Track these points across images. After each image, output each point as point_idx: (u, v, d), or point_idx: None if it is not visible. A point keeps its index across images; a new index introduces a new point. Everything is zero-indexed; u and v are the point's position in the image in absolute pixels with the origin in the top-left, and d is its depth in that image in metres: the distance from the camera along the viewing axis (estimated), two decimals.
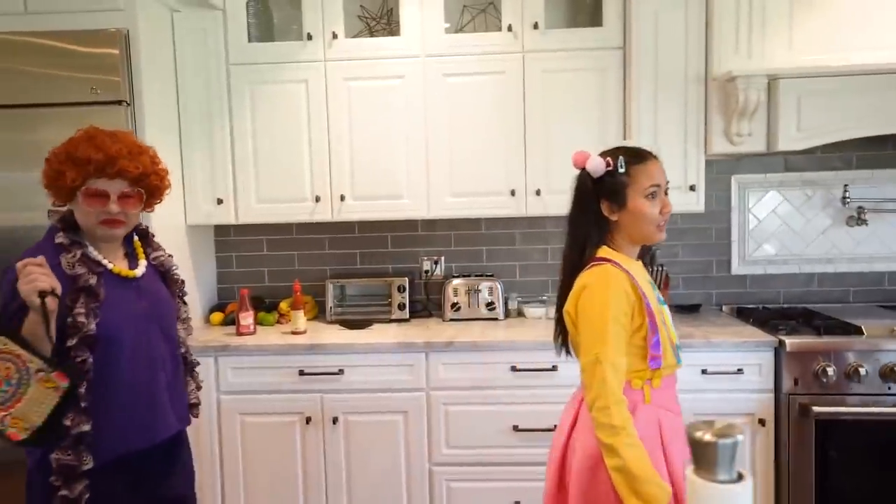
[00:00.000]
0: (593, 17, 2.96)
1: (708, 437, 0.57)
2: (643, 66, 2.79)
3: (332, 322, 3.09)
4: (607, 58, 2.85)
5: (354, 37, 3.08)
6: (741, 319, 2.92)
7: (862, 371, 2.43)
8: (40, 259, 1.50)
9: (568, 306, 1.64)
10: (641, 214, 1.62)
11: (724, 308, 3.20)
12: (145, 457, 1.72)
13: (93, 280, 1.62)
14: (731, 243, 3.22)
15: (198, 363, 1.97)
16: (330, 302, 3.13)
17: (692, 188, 2.80)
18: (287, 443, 2.73)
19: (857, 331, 2.54)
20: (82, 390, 1.56)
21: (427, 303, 3.30)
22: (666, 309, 1.67)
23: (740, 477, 0.62)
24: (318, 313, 3.27)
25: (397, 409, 2.71)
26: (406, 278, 3.11)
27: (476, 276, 3.15)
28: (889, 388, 2.45)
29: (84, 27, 2.58)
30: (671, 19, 2.76)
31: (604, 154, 1.67)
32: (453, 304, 3.07)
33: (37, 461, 1.64)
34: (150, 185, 1.74)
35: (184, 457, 1.90)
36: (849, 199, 3.08)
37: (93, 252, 1.68)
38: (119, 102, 2.59)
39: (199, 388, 1.94)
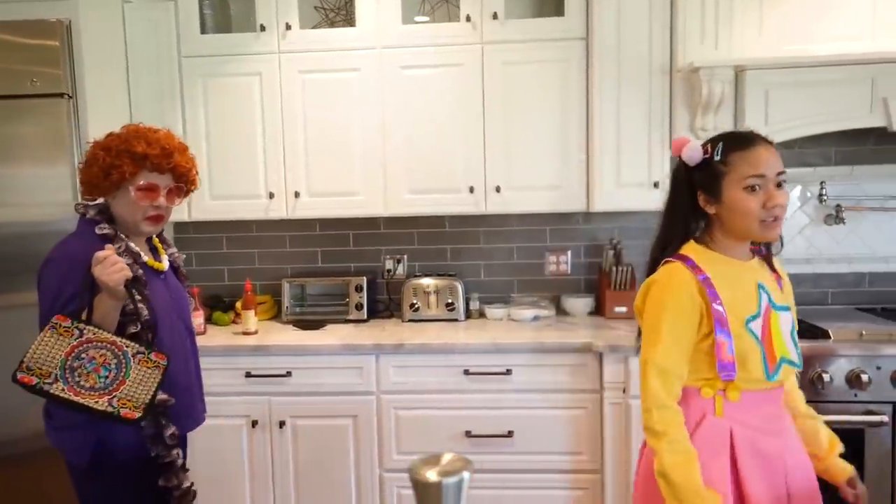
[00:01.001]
0: (555, 7, 2.84)
1: (431, 475, 0.48)
2: (605, 57, 2.67)
3: (287, 322, 3.00)
4: (569, 49, 2.74)
5: (314, 27, 2.99)
6: None
7: (826, 377, 2.31)
8: (113, 248, 1.57)
9: (637, 301, 1.57)
10: (738, 209, 1.45)
11: None
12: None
13: (139, 270, 1.67)
14: None
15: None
16: (286, 301, 3.04)
17: (655, 185, 2.68)
18: (233, 447, 2.64)
19: (824, 335, 2.41)
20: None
21: (389, 303, 3.20)
22: (782, 316, 1.51)
23: None
24: (278, 313, 3.19)
25: (346, 413, 2.62)
26: (364, 278, 3.01)
27: (438, 275, 3.05)
28: (855, 396, 2.32)
29: (27, 17, 2.51)
30: (634, 8, 2.64)
31: (707, 140, 1.54)
32: (412, 305, 2.97)
33: (95, 453, 1.65)
34: (190, 181, 1.81)
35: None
36: (826, 197, 2.94)
37: (132, 245, 1.72)
38: (60, 95, 2.52)
39: None
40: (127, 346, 1.58)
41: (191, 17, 2.86)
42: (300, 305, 3.08)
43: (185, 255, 2.01)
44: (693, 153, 1.51)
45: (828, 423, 2.31)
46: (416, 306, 2.97)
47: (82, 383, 1.54)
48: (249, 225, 3.24)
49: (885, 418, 2.31)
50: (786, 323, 1.52)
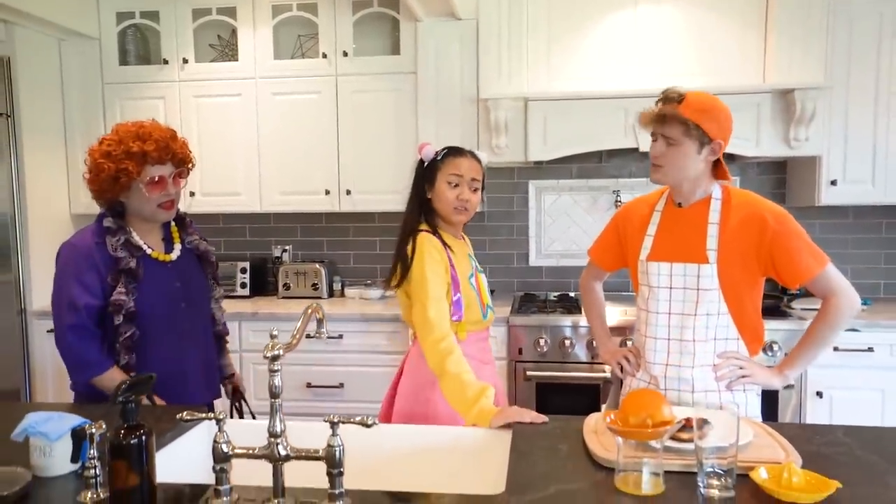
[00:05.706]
0: (394, 47, 3.52)
1: None
2: (428, 88, 3.35)
3: None
4: (403, 81, 3.42)
5: (212, 61, 3.71)
6: (524, 301, 3.43)
7: (567, 343, 2.96)
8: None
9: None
10: (441, 195, 1.94)
11: (516, 294, 3.72)
12: None
13: (133, 263, 1.83)
14: (529, 239, 3.75)
15: (228, 340, 2.24)
16: None
17: None
18: None
19: (579, 310, 3.06)
20: (127, 360, 1.83)
21: (276, 283, 3.90)
22: (482, 277, 2.06)
23: None
24: None
25: None
26: (247, 262, 3.72)
27: (312, 261, 3.75)
28: (592, 358, 2.97)
29: None
30: (448, 49, 3.31)
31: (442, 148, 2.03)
32: (285, 285, 3.68)
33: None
34: (188, 164, 1.96)
35: None
36: (620, 203, 3.58)
37: (135, 237, 1.88)
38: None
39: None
40: None
41: (111, 52, 3.60)
42: None
43: (206, 240, 2.17)
44: (428, 153, 2.05)
45: (565, 379, 2.94)
46: (288, 285, 3.67)
47: None
48: None
49: None
50: (484, 281, 2.08)
